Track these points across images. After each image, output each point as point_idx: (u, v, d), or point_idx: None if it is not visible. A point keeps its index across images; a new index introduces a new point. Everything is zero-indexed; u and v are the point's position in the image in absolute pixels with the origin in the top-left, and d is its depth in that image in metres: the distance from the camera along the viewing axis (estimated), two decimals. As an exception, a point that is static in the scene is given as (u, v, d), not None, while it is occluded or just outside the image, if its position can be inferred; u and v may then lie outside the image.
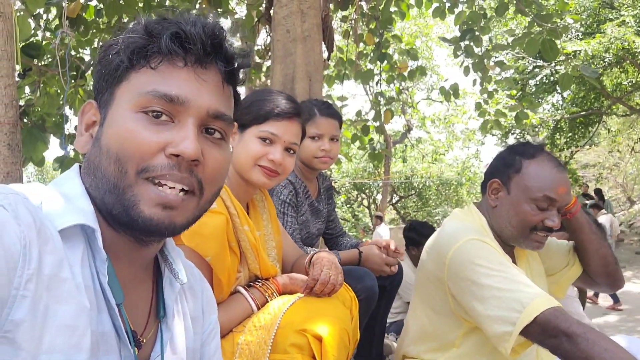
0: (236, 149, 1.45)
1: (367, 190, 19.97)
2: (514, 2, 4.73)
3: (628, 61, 11.42)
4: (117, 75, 0.73)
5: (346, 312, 1.36)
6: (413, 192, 19.94)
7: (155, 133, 0.70)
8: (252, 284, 1.42)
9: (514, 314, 1.30)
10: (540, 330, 1.28)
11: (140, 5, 4.55)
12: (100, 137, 0.72)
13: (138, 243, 0.74)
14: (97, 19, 5.04)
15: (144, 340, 0.77)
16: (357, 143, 6.81)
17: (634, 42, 9.80)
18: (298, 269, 1.58)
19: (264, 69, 6.20)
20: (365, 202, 21.37)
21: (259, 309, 1.35)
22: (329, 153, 2.00)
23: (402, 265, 2.08)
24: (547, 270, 1.75)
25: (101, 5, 4.76)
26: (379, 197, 18.38)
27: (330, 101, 6.62)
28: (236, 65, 0.77)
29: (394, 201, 20.52)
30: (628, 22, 10.35)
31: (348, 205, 20.99)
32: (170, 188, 0.70)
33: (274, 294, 1.40)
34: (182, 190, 0.71)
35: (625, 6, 11.53)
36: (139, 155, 0.69)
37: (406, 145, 18.90)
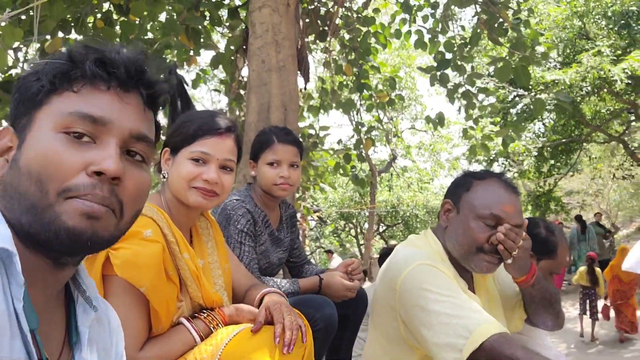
0: (171, 174, 1.42)
1: (354, 220, 19.93)
2: (486, 32, 4.84)
3: (605, 90, 11.67)
4: (38, 100, 0.73)
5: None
6: (400, 220, 19.93)
7: (76, 153, 0.70)
8: (196, 314, 1.37)
9: (461, 340, 1.28)
10: (486, 357, 1.25)
11: (118, 39, 4.58)
12: (18, 159, 0.71)
13: (54, 265, 0.73)
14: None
15: None
16: (341, 171, 6.86)
17: (609, 70, 10.03)
18: (249, 299, 1.54)
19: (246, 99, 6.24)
20: (352, 232, 21.30)
21: (202, 340, 1.30)
22: (288, 180, 1.97)
23: (366, 293, 2.05)
24: (504, 301, 1.74)
25: (80, 37, 4.78)
26: (366, 226, 18.34)
27: (312, 131, 6.70)
28: (157, 90, 0.79)
29: (380, 230, 20.49)
30: (604, 52, 10.62)
31: (335, 235, 20.91)
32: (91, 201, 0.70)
33: (219, 324, 1.35)
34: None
35: (601, 37, 11.86)
36: (61, 174, 0.68)
37: (392, 174, 18.99)
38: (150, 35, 5.50)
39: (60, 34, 4.63)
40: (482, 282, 1.68)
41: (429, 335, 1.34)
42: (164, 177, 1.45)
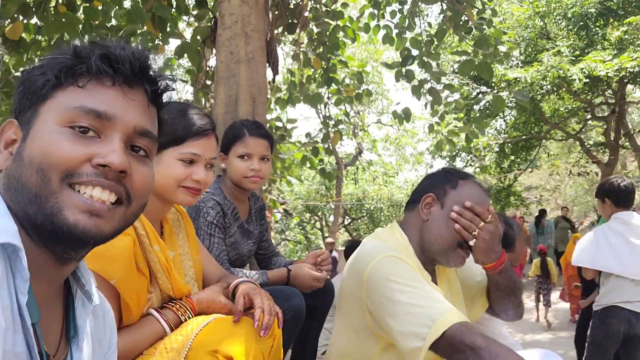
0: (155, 172, 1.42)
1: (319, 212, 20.03)
2: (452, 29, 4.95)
3: (564, 89, 12.07)
4: (42, 94, 0.74)
5: (263, 331, 1.35)
6: (364, 213, 20.15)
7: (81, 146, 0.71)
8: (165, 305, 1.38)
9: (424, 329, 1.34)
10: (447, 345, 1.32)
11: (81, 26, 4.46)
12: (22, 152, 0.72)
13: (58, 260, 0.74)
14: (38, 36, 4.91)
15: None
16: (308, 164, 6.90)
17: (568, 70, 10.37)
18: None
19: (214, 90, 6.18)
20: (317, 225, 21.41)
21: (172, 330, 1.32)
22: (258, 173, 2.00)
23: (333, 284, 2.10)
24: (464, 290, 1.81)
25: (41, 23, 4.65)
26: (331, 218, 18.48)
27: (280, 124, 6.70)
28: (161, 86, 0.81)
29: (345, 223, 20.66)
30: (563, 52, 10.98)
31: (300, 227, 20.97)
32: (97, 198, 0.70)
33: (188, 312, 1.37)
34: (110, 201, 0.72)
35: (560, 37, 12.25)
36: (65, 163, 0.69)
37: (357, 168, 19.16)
38: (114, 22, 5.37)
39: (22, 19, 4.49)
40: (444, 274, 1.75)
41: (395, 324, 1.40)
42: None
